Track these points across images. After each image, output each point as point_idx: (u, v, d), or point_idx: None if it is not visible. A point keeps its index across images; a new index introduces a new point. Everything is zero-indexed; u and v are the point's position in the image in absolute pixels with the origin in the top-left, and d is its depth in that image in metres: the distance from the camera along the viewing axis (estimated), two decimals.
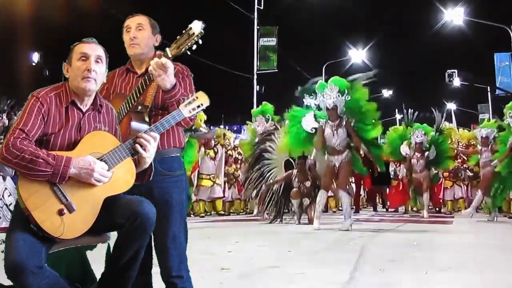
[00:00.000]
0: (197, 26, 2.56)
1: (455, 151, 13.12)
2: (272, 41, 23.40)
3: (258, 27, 23.31)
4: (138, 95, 2.81)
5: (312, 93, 9.02)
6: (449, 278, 4.46)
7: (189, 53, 2.62)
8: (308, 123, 8.82)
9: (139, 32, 2.88)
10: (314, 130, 8.74)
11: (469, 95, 30.60)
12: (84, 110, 2.58)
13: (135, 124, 2.70)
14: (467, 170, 13.53)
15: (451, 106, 32.97)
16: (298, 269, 4.89)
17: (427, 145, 12.07)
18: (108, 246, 2.70)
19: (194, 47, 2.60)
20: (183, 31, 2.59)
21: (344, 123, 8.50)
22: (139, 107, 2.79)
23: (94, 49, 2.55)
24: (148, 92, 2.83)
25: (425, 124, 12.52)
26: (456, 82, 27.44)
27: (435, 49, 32.97)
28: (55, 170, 2.34)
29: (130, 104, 2.81)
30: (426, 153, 12.01)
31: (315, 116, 8.80)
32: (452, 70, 26.72)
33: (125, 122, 2.77)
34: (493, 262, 5.30)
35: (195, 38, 2.57)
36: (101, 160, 2.46)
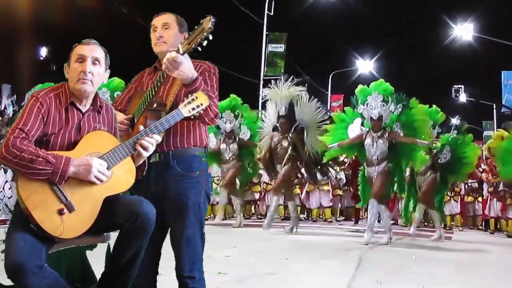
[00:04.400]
0: (207, 22, 2.53)
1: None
2: (280, 48, 23.37)
3: (267, 33, 23.34)
4: (154, 92, 2.78)
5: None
6: None
7: (200, 49, 2.58)
8: (354, 130, 8.43)
9: (165, 31, 2.86)
10: None
11: (475, 111, 30.54)
12: (83, 110, 2.59)
13: (151, 123, 2.65)
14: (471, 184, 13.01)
15: (456, 121, 32.89)
16: (295, 277, 4.92)
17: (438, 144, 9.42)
18: (108, 246, 2.69)
19: (205, 43, 2.56)
20: (195, 27, 2.57)
21: (387, 134, 8.07)
22: (155, 105, 2.75)
23: (91, 51, 2.55)
24: (171, 90, 2.80)
25: (434, 107, 9.78)
26: (462, 97, 27.41)
27: (442, 63, 32.91)
28: (55, 169, 2.34)
29: (147, 102, 2.79)
30: (435, 151, 9.45)
31: (362, 124, 8.38)
32: (459, 86, 26.71)
33: (141, 121, 2.73)
34: (490, 280, 5.30)
35: (205, 34, 2.53)
36: (100, 159, 2.47)
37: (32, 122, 2.42)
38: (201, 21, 2.55)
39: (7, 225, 2.45)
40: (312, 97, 9.45)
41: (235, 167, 10.17)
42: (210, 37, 2.54)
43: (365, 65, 28.92)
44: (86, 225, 2.40)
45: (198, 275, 2.80)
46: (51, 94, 2.53)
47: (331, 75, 27.89)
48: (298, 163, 9.63)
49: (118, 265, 2.51)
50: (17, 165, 2.33)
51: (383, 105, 8.04)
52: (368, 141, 8.11)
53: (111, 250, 2.58)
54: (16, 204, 2.46)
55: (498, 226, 11.97)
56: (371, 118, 8.11)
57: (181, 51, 2.59)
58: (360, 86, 8.54)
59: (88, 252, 2.76)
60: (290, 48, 23.77)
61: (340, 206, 13.94)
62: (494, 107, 29.04)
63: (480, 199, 12.87)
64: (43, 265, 2.32)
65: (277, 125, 9.52)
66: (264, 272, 5.12)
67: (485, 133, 29.48)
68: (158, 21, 2.89)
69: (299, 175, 10.31)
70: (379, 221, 9.24)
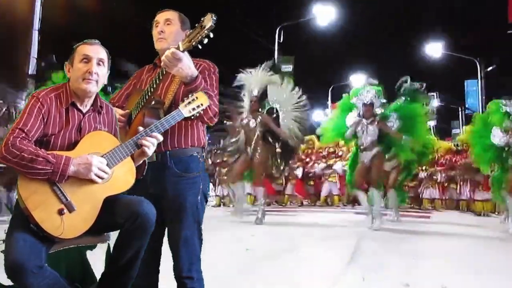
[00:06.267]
0: (208, 19, 2.07)
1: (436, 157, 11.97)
2: (289, 68, 23.27)
3: (278, 56, 23.25)
4: (152, 90, 2.29)
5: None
6: (433, 265, 4.36)
7: (200, 46, 2.10)
8: (350, 118, 7.36)
9: (167, 27, 2.36)
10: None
11: (445, 113, 30.36)
12: (84, 111, 2.12)
13: (148, 120, 2.18)
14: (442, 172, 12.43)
15: (431, 122, 32.52)
16: (310, 251, 4.96)
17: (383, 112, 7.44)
18: (108, 246, 2.23)
19: (206, 40, 2.08)
20: (196, 25, 2.10)
21: (376, 122, 7.13)
22: (153, 102, 2.26)
23: (96, 52, 2.10)
24: (170, 87, 2.29)
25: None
26: (435, 103, 27.34)
27: (419, 75, 32.76)
28: (55, 168, 1.91)
29: (145, 99, 2.29)
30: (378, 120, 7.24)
31: (359, 114, 7.32)
32: (432, 93, 26.66)
33: (139, 118, 2.26)
34: (465, 248, 5.32)
35: (206, 32, 2.06)
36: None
37: (32, 122, 1.99)
38: (202, 18, 2.09)
39: (7, 224, 2.02)
40: (295, 87, 7.57)
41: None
42: (211, 35, 2.07)
43: (358, 79, 28.76)
44: (86, 225, 1.97)
45: (197, 275, 2.32)
46: (52, 94, 2.08)
47: (330, 88, 27.82)
48: (272, 143, 7.30)
49: (118, 265, 2.05)
50: (17, 165, 1.90)
51: (376, 96, 7.26)
52: (359, 127, 7.19)
53: (111, 250, 2.12)
54: (16, 204, 2.02)
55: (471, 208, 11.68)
56: (363, 103, 7.18)
57: (181, 48, 2.11)
58: (353, 89, 7.90)
59: (88, 252, 2.29)
60: (297, 66, 23.78)
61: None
62: (460, 109, 29.12)
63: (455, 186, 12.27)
64: (43, 265, 1.90)
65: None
66: (283, 248, 5.06)
67: (453, 131, 29.73)
68: (161, 17, 2.39)
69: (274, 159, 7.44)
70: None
